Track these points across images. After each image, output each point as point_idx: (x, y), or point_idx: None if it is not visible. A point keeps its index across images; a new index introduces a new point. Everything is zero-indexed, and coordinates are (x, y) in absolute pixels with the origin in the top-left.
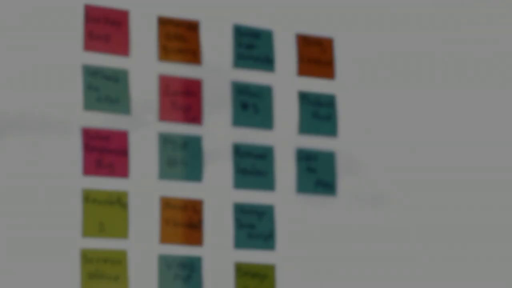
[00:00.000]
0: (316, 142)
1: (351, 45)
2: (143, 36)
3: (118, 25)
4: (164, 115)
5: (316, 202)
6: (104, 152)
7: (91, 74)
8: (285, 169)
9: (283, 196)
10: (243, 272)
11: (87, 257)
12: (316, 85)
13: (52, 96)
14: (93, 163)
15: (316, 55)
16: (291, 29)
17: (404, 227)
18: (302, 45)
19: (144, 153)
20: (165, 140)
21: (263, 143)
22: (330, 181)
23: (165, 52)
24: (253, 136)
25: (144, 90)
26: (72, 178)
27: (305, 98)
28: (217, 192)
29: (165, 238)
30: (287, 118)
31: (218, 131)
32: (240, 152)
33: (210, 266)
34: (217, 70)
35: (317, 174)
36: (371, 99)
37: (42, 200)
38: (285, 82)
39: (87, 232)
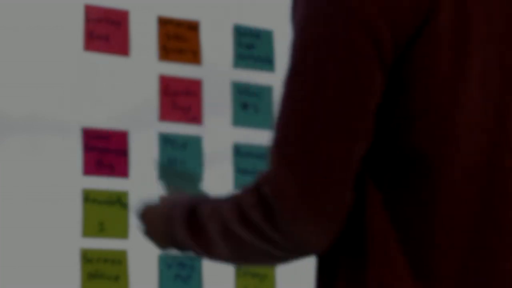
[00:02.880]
0: None
1: None
2: (143, 36)
3: (118, 25)
4: (164, 115)
5: None
6: (104, 152)
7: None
8: None
9: None
10: (243, 272)
11: (87, 257)
12: None
13: (52, 96)
14: (93, 163)
15: None
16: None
17: None
18: None
19: (144, 153)
20: (165, 140)
21: (263, 143)
22: None
23: (165, 52)
24: (253, 136)
25: (144, 90)
26: (72, 178)
27: None
28: (217, 191)
29: None
30: None
31: (218, 131)
32: (240, 152)
33: (210, 266)
34: (217, 70)
35: None
36: None
37: (42, 200)
38: None
39: (87, 232)
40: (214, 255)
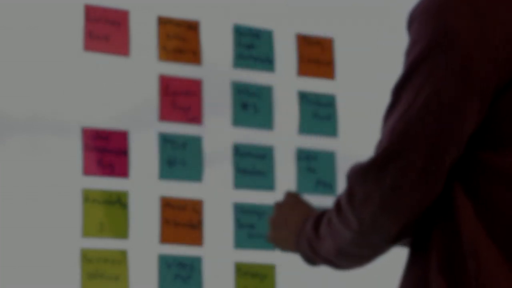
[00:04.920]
0: (316, 142)
1: (351, 45)
2: (143, 36)
3: (118, 25)
4: (164, 115)
5: (316, 202)
6: (104, 152)
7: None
8: (285, 169)
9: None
10: (243, 272)
11: (87, 257)
12: (316, 85)
13: (52, 96)
14: (93, 163)
15: (316, 55)
16: (291, 29)
17: None
18: (302, 45)
19: (144, 153)
20: (165, 140)
21: (263, 143)
22: (330, 181)
23: (165, 52)
24: (253, 136)
25: (144, 90)
26: (72, 178)
27: (305, 98)
28: (217, 192)
29: (165, 238)
30: (287, 118)
31: (218, 131)
32: (240, 152)
33: (210, 266)
34: (217, 70)
35: (317, 174)
36: (371, 99)
37: (42, 200)
38: (285, 82)
39: (87, 232)
40: (323, 253)
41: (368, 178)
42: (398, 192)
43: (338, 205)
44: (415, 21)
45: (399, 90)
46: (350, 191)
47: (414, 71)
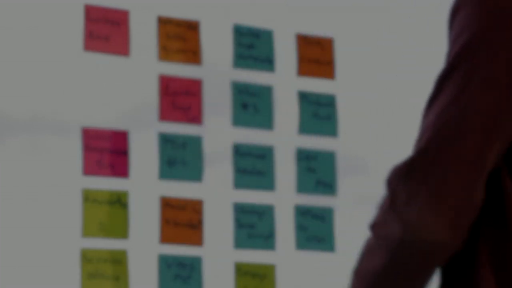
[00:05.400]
0: (316, 142)
1: (351, 45)
2: (143, 36)
3: (118, 25)
4: (164, 115)
5: (316, 202)
6: (104, 152)
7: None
8: (285, 169)
9: (283, 196)
10: (243, 272)
11: (87, 257)
12: (316, 85)
13: (52, 96)
14: (93, 163)
15: (316, 55)
16: (291, 29)
17: None
18: (302, 45)
19: (144, 153)
20: (165, 140)
21: (263, 143)
22: (330, 181)
23: (165, 52)
24: (253, 136)
25: (144, 90)
26: (72, 178)
27: (305, 98)
28: (217, 192)
29: (165, 238)
30: (287, 118)
31: (218, 131)
32: (240, 152)
33: (210, 266)
34: (217, 70)
35: (317, 174)
36: (371, 99)
37: (42, 200)
38: (285, 82)
39: (87, 232)
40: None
41: (411, 177)
42: (445, 189)
43: (372, 227)
44: (461, 9)
45: (442, 81)
46: (393, 195)
47: (462, 60)
